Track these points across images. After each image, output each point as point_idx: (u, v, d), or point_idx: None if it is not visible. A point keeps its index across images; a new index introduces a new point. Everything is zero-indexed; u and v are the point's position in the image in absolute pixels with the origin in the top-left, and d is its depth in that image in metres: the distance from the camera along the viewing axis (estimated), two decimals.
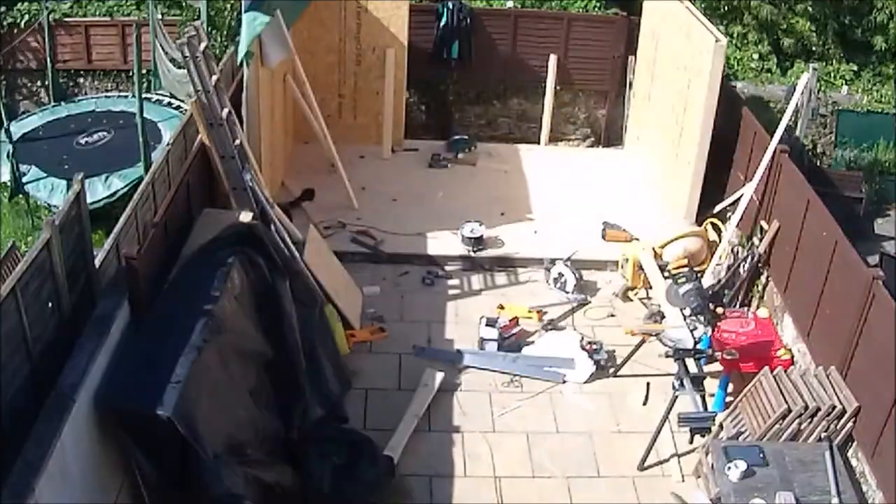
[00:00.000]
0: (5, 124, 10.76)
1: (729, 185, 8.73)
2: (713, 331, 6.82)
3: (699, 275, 7.20)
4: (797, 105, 8.20)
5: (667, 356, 7.28)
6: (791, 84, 11.74)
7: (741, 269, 8.13)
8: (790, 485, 5.65)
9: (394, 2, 10.12)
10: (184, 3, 12.77)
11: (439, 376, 7.23)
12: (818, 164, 11.27)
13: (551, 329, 7.95)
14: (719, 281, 8.34)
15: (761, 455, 5.83)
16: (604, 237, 9.10)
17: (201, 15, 11.79)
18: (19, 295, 4.57)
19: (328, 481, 6.07)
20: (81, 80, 12.93)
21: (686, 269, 6.92)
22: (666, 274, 7.68)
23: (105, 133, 11.71)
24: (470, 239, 8.90)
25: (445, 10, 11.37)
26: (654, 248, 8.18)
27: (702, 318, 6.57)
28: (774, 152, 7.74)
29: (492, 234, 9.13)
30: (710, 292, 7.53)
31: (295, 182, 9.79)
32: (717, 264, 8.39)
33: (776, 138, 7.77)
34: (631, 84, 11.06)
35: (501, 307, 8.20)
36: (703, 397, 6.43)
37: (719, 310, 7.07)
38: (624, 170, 10.67)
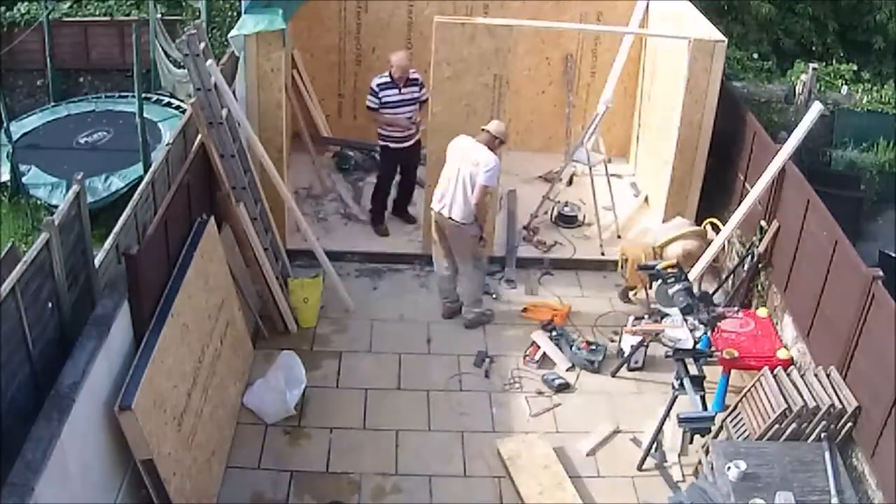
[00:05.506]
0: (5, 124, 10.77)
1: (730, 185, 8.72)
2: (712, 331, 6.82)
3: (687, 274, 7.17)
4: (799, 102, 8.09)
5: (666, 356, 7.28)
6: (791, 84, 11.75)
7: (741, 269, 8.13)
8: (790, 485, 5.65)
9: (394, 1, 10.11)
10: (184, 3, 12.79)
11: None
12: (818, 164, 11.27)
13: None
14: (718, 280, 8.34)
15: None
16: None
17: (201, 14, 11.82)
18: (19, 295, 4.56)
19: None
20: (81, 79, 12.95)
21: (675, 270, 6.89)
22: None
23: (105, 133, 11.73)
24: None
25: None
26: (653, 248, 8.18)
27: (693, 318, 6.56)
28: (783, 167, 7.52)
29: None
30: (702, 291, 7.49)
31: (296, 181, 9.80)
32: (715, 264, 8.38)
33: (785, 153, 7.47)
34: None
35: (526, 309, 8.13)
36: (702, 397, 6.43)
37: (718, 310, 7.05)
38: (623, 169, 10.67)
